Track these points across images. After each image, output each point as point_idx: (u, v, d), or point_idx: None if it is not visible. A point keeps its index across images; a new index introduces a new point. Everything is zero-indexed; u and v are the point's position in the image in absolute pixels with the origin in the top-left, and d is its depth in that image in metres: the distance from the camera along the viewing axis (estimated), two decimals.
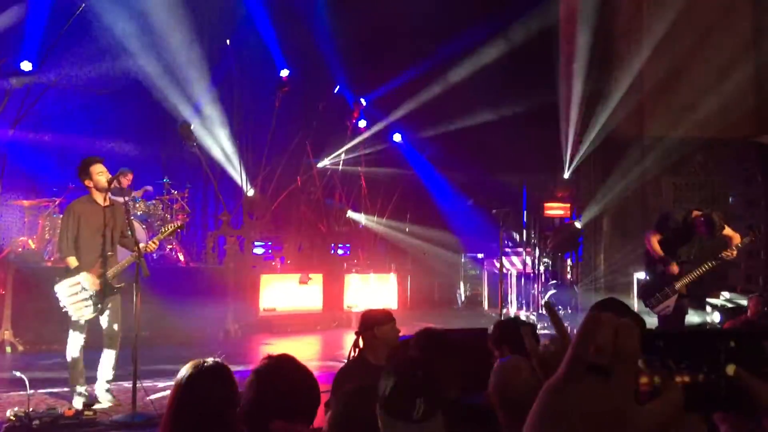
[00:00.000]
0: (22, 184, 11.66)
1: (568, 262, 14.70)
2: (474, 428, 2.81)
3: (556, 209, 14.42)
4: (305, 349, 9.74)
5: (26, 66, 10.95)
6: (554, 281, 13.98)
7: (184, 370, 2.65)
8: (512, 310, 13.61)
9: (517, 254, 14.22)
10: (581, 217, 13.93)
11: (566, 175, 14.12)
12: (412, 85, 14.55)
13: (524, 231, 14.64)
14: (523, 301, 14.00)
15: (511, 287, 14.06)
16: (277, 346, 10.02)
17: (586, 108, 13.25)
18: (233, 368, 2.77)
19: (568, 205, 14.40)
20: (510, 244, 14.47)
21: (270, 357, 2.62)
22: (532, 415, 0.72)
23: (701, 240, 7.24)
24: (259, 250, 13.13)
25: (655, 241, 7.25)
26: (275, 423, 2.39)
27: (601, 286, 13.01)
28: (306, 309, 12.40)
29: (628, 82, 12.59)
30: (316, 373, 2.73)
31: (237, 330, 11.25)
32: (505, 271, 13.79)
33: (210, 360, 2.74)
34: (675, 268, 7.07)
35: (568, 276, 14.64)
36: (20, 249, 10.40)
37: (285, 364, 2.60)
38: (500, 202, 12.41)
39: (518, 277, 14.17)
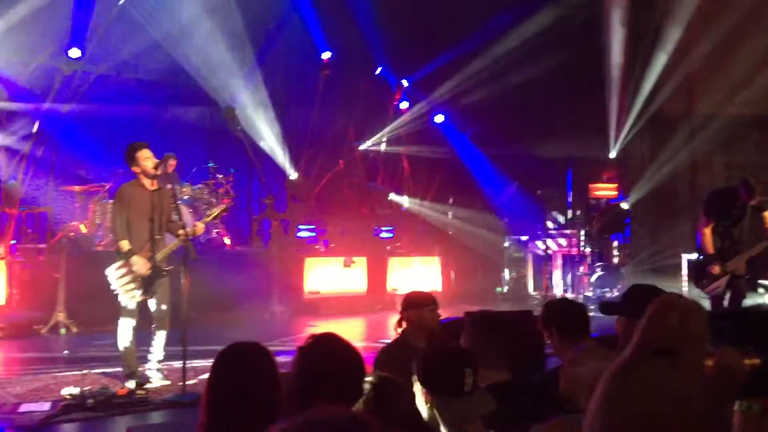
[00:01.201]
0: (73, 170, 11.93)
1: (615, 243, 14.46)
2: (526, 408, 2.79)
3: (602, 190, 14.17)
4: (350, 331, 9.78)
5: (75, 53, 11.14)
6: (600, 263, 13.77)
7: (220, 352, 2.66)
8: (557, 292, 13.46)
9: (563, 236, 14.03)
10: (628, 197, 13.68)
11: (612, 155, 13.87)
12: (454, 65, 14.38)
13: (569, 212, 14.42)
14: (569, 284, 13.83)
15: (556, 269, 13.89)
16: (321, 328, 10.10)
17: (633, 86, 12.96)
18: (279, 349, 2.78)
19: (615, 185, 14.14)
20: (555, 226, 14.28)
21: (314, 335, 2.61)
22: (597, 399, 0.70)
23: (752, 216, 7.19)
24: (303, 234, 13.22)
25: (708, 235, 7.23)
26: (318, 403, 2.38)
27: (649, 268, 12.78)
28: (350, 292, 12.47)
29: (677, 60, 12.26)
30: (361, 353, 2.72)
31: (282, 312, 11.38)
32: (550, 253, 13.64)
33: (246, 341, 2.73)
34: (716, 269, 7.11)
35: (615, 258, 14.41)
36: (72, 234, 10.67)
37: (329, 342, 2.59)
38: (545, 183, 12.26)
39: (563, 260, 14.00)
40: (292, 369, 2.49)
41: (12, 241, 9.97)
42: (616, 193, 14.13)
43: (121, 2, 11.16)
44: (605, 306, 3.48)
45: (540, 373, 4.23)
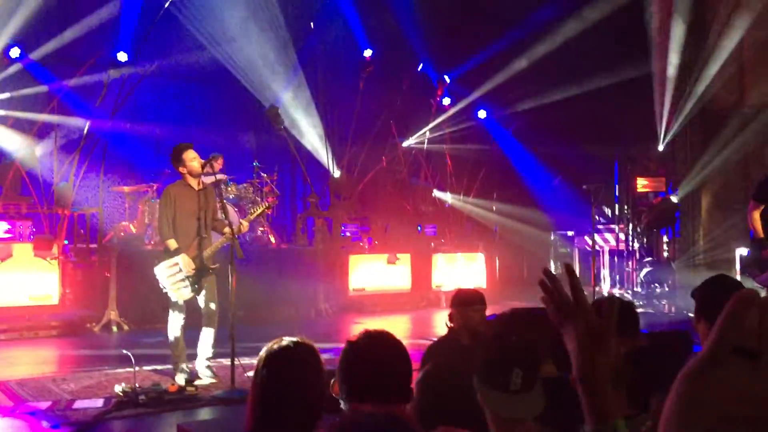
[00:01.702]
0: (122, 170, 12.19)
1: (664, 238, 14.14)
2: (575, 406, 2.73)
3: (650, 183, 13.87)
4: (395, 328, 9.73)
5: (122, 57, 11.40)
6: (649, 258, 13.48)
7: (264, 349, 2.66)
8: (605, 288, 13.24)
9: (610, 231, 13.78)
10: (677, 190, 13.35)
11: (661, 147, 13.55)
12: (496, 60, 14.25)
13: (617, 206, 14.16)
14: (617, 279, 13.58)
15: (603, 265, 13.66)
16: (367, 325, 10.12)
17: (681, 77, 12.65)
18: (325, 347, 2.77)
19: (664, 178, 13.82)
20: (602, 221, 14.04)
21: (366, 331, 2.59)
22: (672, 403, 0.66)
23: None
24: (347, 231, 13.27)
25: (756, 217, 6.95)
26: (363, 401, 2.37)
27: (701, 262, 12.46)
28: (395, 289, 12.47)
29: (727, 51, 11.93)
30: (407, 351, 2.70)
31: (327, 309, 11.44)
32: (597, 248, 13.42)
33: (289, 338, 2.73)
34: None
35: (665, 253, 14.10)
36: (122, 233, 10.91)
37: (381, 339, 2.57)
38: (591, 176, 12.04)
39: (611, 255, 13.76)
40: (340, 362, 2.46)
41: (65, 242, 10.23)
42: (665, 186, 13.81)
43: (166, 5, 11.34)
44: None
45: None
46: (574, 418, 2.61)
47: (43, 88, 10.79)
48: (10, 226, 9.61)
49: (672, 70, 12.63)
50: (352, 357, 2.48)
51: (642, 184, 13.92)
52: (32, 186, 10.43)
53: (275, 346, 2.63)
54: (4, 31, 10.09)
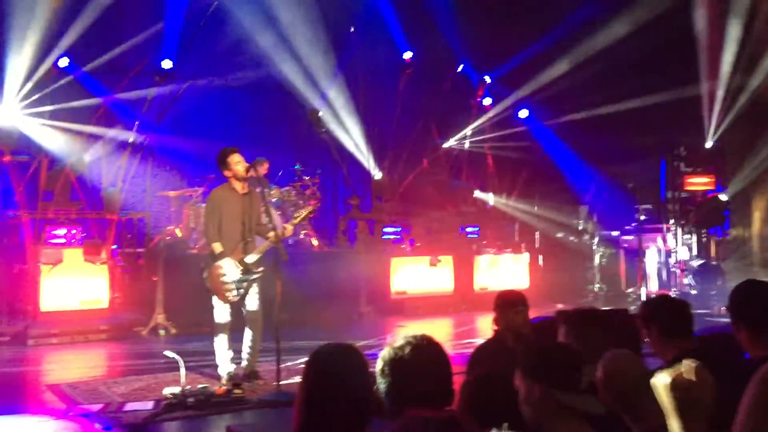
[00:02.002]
0: (167, 175, 12.41)
1: (714, 237, 13.83)
2: None
3: (698, 181, 13.58)
4: (437, 331, 9.76)
5: (167, 64, 11.60)
6: (698, 258, 13.19)
7: (313, 352, 2.67)
8: (652, 288, 12.98)
9: (657, 230, 13.51)
10: (727, 188, 13.05)
11: (709, 144, 13.27)
12: (538, 59, 14.09)
13: (664, 205, 13.89)
14: (664, 280, 13.31)
15: (649, 265, 13.40)
16: (410, 328, 10.11)
17: (730, 73, 12.35)
18: (368, 349, 2.76)
19: (712, 176, 13.52)
20: (648, 220, 13.77)
21: (408, 337, 2.58)
22: (747, 405, 0.64)
23: None
24: (389, 233, 13.27)
25: None
26: (410, 406, 2.35)
27: (754, 262, 12.14)
28: (437, 291, 12.42)
29: None
30: (449, 353, 2.69)
31: (370, 312, 11.46)
32: (643, 248, 13.17)
33: (338, 342, 2.73)
34: None
35: (713, 252, 13.78)
36: (168, 238, 11.09)
37: (423, 344, 2.55)
38: (636, 175, 11.85)
39: (658, 255, 13.48)
40: (381, 367, 2.47)
41: (113, 246, 10.44)
42: (714, 184, 13.50)
43: (208, 13, 11.51)
44: None
45: None
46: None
47: (91, 97, 11.04)
48: (64, 231, 9.84)
49: (726, 66, 12.33)
50: (393, 361, 2.47)
51: (690, 182, 13.63)
52: (82, 191, 10.67)
53: (322, 349, 2.64)
54: (53, 42, 10.35)
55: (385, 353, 2.49)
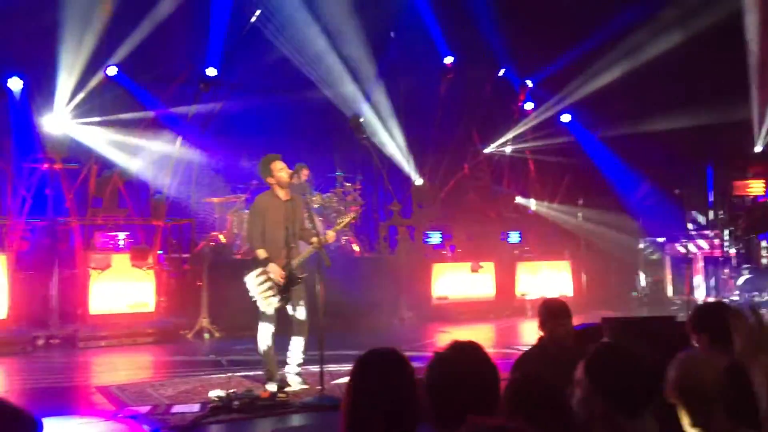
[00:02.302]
0: (212, 182, 12.60)
1: (763, 243, 13.45)
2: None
3: (747, 186, 13.25)
4: (479, 337, 9.66)
5: (211, 72, 11.80)
6: (747, 265, 12.85)
7: (360, 358, 2.68)
8: (700, 296, 12.71)
9: (704, 237, 13.22)
10: None
11: (758, 149, 12.94)
12: (581, 62, 13.92)
13: (711, 211, 13.59)
14: (713, 287, 13.01)
15: (697, 272, 13.12)
16: (452, 334, 10.08)
17: None
18: (410, 355, 2.75)
19: (762, 181, 13.18)
20: (695, 226, 13.50)
21: (455, 342, 2.57)
22: None
23: None
24: (430, 239, 13.25)
25: None
26: (473, 418, 2.33)
27: None
28: (478, 297, 12.37)
29: None
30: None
31: (411, 318, 11.46)
32: (690, 255, 12.91)
33: (384, 347, 2.73)
34: None
35: (763, 259, 13.40)
36: (212, 243, 11.26)
37: (469, 351, 2.54)
38: (683, 181, 11.63)
39: (705, 262, 13.19)
40: (426, 373, 2.45)
41: (159, 252, 10.64)
42: (764, 189, 13.15)
43: (251, 22, 11.68)
44: None
45: None
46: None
47: (138, 104, 11.29)
48: (113, 236, 10.08)
49: None
50: (440, 368, 2.46)
51: (738, 187, 13.31)
52: (129, 198, 10.91)
53: (369, 354, 2.65)
54: (102, 51, 10.62)
55: (430, 360, 2.49)
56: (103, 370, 8.10)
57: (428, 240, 13.15)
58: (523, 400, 2.53)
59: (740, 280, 12.40)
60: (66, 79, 10.43)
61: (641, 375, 2.26)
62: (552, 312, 4.44)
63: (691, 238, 12.63)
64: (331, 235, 6.86)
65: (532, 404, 2.51)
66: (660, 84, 13.16)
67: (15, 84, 10.08)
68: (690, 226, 12.28)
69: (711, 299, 12.29)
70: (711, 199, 13.53)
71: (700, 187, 12.99)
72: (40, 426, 1.93)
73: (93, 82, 10.67)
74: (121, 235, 10.11)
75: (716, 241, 13.00)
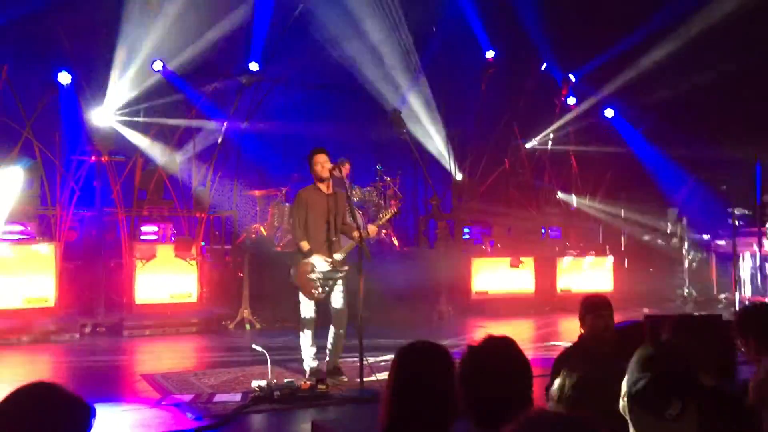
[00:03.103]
0: (253, 175, 12.77)
1: None
2: (726, 421, 2.59)
3: None
4: (519, 333, 9.64)
5: (254, 66, 11.92)
6: None
7: (401, 349, 2.69)
8: (747, 294, 12.42)
9: (752, 234, 12.90)
10: None
11: None
12: (626, 56, 13.68)
13: (758, 209, 13.25)
14: (759, 286, 12.70)
15: (744, 270, 12.81)
16: (491, 329, 10.04)
17: None
18: (450, 349, 2.75)
19: None
20: (742, 223, 13.17)
21: (490, 337, 2.57)
22: None
23: None
24: (469, 234, 13.21)
25: None
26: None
27: None
28: (518, 292, 12.30)
29: None
30: (531, 356, 2.65)
31: (450, 312, 11.45)
32: (737, 252, 12.62)
33: (425, 340, 2.74)
34: None
35: None
36: (254, 235, 11.40)
37: (502, 346, 2.53)
38: (730, 177, 11.35)
39: (752, 260, 12.88)
40: (460, 367, 2.45)
41: (202, 243, 10.82)
42: None
43: (293, 18, 11.76)
44: None
45: (731, 383, 3.91)
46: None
47: (182, 98, 11.47)
48: (155, 228, 10.29)
49: None
50: (472, 362, 2.46)
51: None
52: (173, 190, 11.11)
53: (410, 346, 2.67)
54: (148, 45, 10.82)
55: (464, 354, 2.48)
56: (148, 358, 8.29)
57: (468, 235, 13.11)
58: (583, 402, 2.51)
59: None
60: (114, 75, 10.64)
61: (670, 390, 2.21)
62: (592, 304, 4.40)
63: (737, 235, 12.34)
64: (372, 229, 6.92)
65: (590, 406, 2.50)
66: (706, 76, 12.85)
67: (64, 78, 10.31)
68: (737, 222, 11.96)
69: (758, 299, 12.00)
70: (759, 195, 13.18)
71: (747, 183, 12.65)
72: (94, 412, 1.98)
73: (138, 77, 10.85)
74: (154, 228, 10.30)
75: (764, 239, 12.68)
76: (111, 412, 5.53)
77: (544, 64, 14.50)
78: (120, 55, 10.60)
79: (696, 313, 9.13)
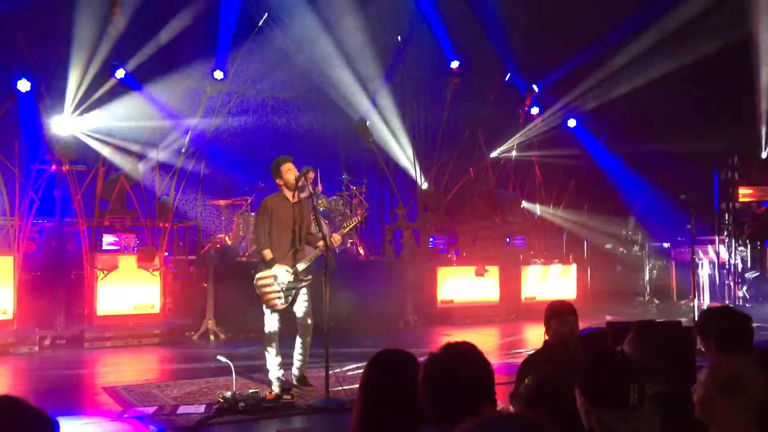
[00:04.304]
0: (218, 185, 12.66)
1: None
2: (685, 423, 2.65)
3: (753, 192, 13.24)
4: (485, 341, 9.72)
5: (218, 75, 11.86)
6: (753, 271, 12.86)
7: (373, 358, 2.70)
8: (705, 301, 12.70)
9: (710, 242, 13.22)
10: None
11: (765, 155, 12.93)
12: (587, 67, 13.96)
13: (716, 217, 13.58)
14: (718, 293, 13.00)
15: (702, 278, 13.10)
16: (456, 337, 10.08)
17: None
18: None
19: (767, 187, 13.16)
20: (701, 232, 13.48)
21: (450, 344, 2.56)
22: None
23: None
24: (435, 243, 13.27)
25: None
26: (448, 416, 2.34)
27: None
28: (483, 301, 12.37)
29: None
30: (496, 364, 2.68)
31: (416, 321, 11.48)
32: (696, 260, 12.90)
33: (396, 349, 2.76)
34: None
35: None
36: (218, 245, 11.30)
37: (463, 352, 2.54)
38: (688, 186, 11.61)
39: (711, 267, 13.19)
40: (421, 374, 2.45)
41: (165, 253, 10.68)
42: None
43: (258, 26, 11.73)
44: None
45: (691, 386, 3.98)
46: None
47: (145, 106, 11.34)
48: (116, 239, 10.14)
49: None
50: (434, 368, 2.46)
51: (744, 193, 13.30)
52: (136, 200, 10.96)
53: (382, 354, 2.69)
54: (109, 53, 10.68)
55: (425, 362, 2.48)
56: (109, 370, 8.13)
57: (433, 244, 13.17)
58: (540, 402, 2.55)
59: (745, 286, 12.39)
60: (75, 82, 10.49)
61: (627, 377, 2.26)
62: (557, 310, 4.44)
63: (696, 243, 12.61)
64: (336, 238, 6.91)
65: (548, 405, 2.53)
66: (666, 90, 13.15)
67: (23, 85, 10.12)
68: (695, 231, 12.22)
69: (717, 305, 12.28)
70: (717, 204, 13.52)
71: (705, 193, 12.98)
72: (57, 426, 1.95)
73: (99, 84, 10.72)
74: (116, 238, 10.16)
75: (722, 247, 13.00)
76: (72, 426, 5.42)
77: (508, 75, 14.70)
78: (81, 62, 10.45)
79: (656, 320, 9.28)
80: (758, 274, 12.78)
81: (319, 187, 11.42)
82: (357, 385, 2.72)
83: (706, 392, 2.38)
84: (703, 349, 3.56)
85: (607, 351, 2.37)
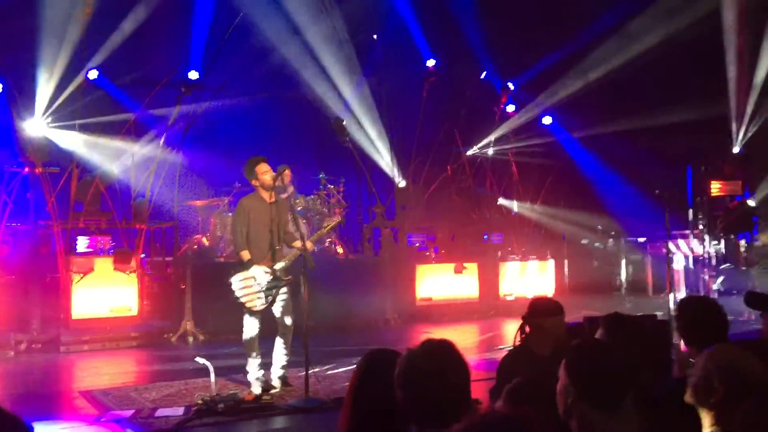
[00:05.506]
0: (195, 185, 12.56)
1: (742, 243, 13.64)
2: (666, 416, 2.67)
3: (726, 187, 13.43)
4: (463, 338, 9.74)
5: (193, 75, 11.77)
6: (726, 265, 13.03)
7: (363, 358, 2.70)
8: (680, 295, 12.84)
9: (684, 236, 13.38)
10: (755, 194, 12.89)
11: (736, 149, 13.13)
12: (562, 65, 14.06)
13: (690, 211, 13.75)
14: (693, 287, 13.16)
15: (677, 272, 13.25)
16: (435, 335, 10.10)
17: (757, 74, 12.23)
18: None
19: (740, 181, 13.36)
20: (675, 226, 13.64)
21: (427, 341, 2.52)
22: None
23: None
24: (413, 241, 13.29)
25: None
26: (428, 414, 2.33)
27: None
28: (462, 298, 12.42)
29: None
30: (475, 360, 2.68)
31: (396, 319, 11.50)
32: (671, 254, 13.05)
33: (384, 348, 2.76)
34: None
35: (743, 259, 13.58)
36: (196, 246, 11.22)
37: (440, 350, 2.54)
38: (663, 181, 11.75)
39: (685, 261, 13.34)
40: (398, 372, 2.44)
41: (142, 255, 10.58)
42: (741, 189, 13.34)
43: (233, 26, 11.65)
44: (753, 297, 3.24)
45: (667, 380, 4.04)
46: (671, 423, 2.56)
47: (120, 108, 11.23)
48: (94, 240, 10.02)
49: (747, 65, 12.21)
50: (411, 366, 2.45)
51: (716, 187, 13.49)
52: (111, 201, 10.84)
53: (372, 353, 2.69)
54: (83, 55, 10.55)
55: (401, 359, 2.47)
56: (86, 374, 8.04)
57: (412, 242, 13.19)
58: (527, 400, 2.55)
59: (719, 280, 12.56)
60: (46, 83, 10.35)
61: (617, 371, 2.28)
62: (546, 310, 4.27)
63: (671, 238, 12.76)
64: (309, 245, 6.77)
65: (540, 406, 2.54)
66: (639, 85, 13.30)
67: None
68: (670, 225, 12.37)
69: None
70: (690, 199, 13.69)
71: (679, 188, 13.13)
72: (32, 431, 1.93)
73: (73, 86, 10.59)
74: (91, 240, 10.04)
75: (696, 241, 13.16)
76: (48, 431, 5.35)
77: (484, 73, 14.76)
78: (52, 63, 10.31)
79: (627, 313, 9.38)
80: (731, 267, 12.96)
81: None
82: (336, 385, 2.72)
83: (705, 377, 2.41)
84: (681, 340, 3.60)
85: (607, 350, 2.37)
